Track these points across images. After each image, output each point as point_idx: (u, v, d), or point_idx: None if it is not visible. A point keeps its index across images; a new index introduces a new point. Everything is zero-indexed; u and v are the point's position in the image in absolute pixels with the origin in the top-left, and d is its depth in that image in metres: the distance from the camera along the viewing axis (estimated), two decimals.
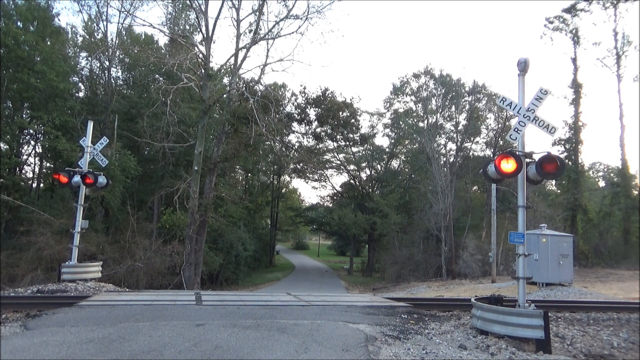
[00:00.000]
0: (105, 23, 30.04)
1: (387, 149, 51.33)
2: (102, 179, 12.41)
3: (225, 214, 30.93)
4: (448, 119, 43.07)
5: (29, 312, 7.86)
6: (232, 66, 26.52)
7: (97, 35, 30.97)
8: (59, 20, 42.66)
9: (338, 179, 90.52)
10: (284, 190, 61.64)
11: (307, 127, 40.94)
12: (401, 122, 47.60)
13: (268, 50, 25.33)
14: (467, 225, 35.71)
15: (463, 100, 42.57)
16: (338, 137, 43.25)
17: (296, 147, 41.60)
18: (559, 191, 39.08)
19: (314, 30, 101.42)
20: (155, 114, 25.27)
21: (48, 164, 31.74)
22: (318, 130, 41.10)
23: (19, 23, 27.51)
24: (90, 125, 13.29)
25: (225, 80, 33.42)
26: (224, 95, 26.78)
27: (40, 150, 30.57)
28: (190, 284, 22.21)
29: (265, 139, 26.69)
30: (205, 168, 25.33)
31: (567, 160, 33.88)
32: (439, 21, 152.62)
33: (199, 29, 27.15)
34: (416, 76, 45.08)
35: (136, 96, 30.79)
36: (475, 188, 43.51)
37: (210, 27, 24.33)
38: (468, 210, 37.81)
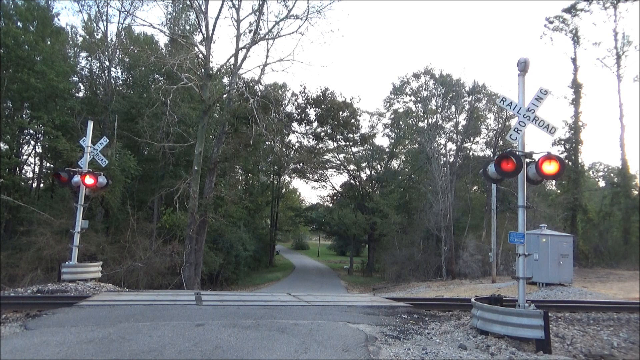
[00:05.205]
0: (105, 23, 30.05)
1: (387, 149, 51.36)
2: (102, 179, 12.41)
3: (225, 214, 30.90)
4: (448, 119, 43.10)
5: (29, 312, 7.86)
6: (232, 66, 26.50)
7: (97, 35, 30.96)
8: (59, 20, 42.91)
9: (338, 179, 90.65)
10: (284, 190, 61.62)
11: (307, 127, 40.95)
12: (401, 122, 47.62)
13: (268, 50, 25.32)
14: (467, 225, 35.71)
15: (463, 100, 42.55)
16: (338, 137, 43.23)
17: (296, 147, 41.62)
18: (559, 191, 39.06)
19: (314, 30, 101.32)
20: (155, 114, 25.26)
21: (48, 164, 31.73)
22: (318, 130, 41.08)
23: (19, 23, 27.50)
24: (90, 125, 13.29)
25: (225, 80, 33.42)
26: (224, 95, 26.76)
27: (40, 150, 30.56)
28: (190, 284, 22.20)
29: (265, 139, 26.67)
30: (205, 168, 25.31)
31: (567, 160, 33.85)
32: (439, 21, 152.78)
33: (199, 29, 27.14)
34: (416, 76, 45.10)
35: (136, 96, 30.77)
36: (475, 188, 43.50)
37: (210, 27, 24.34)
38: (468, 210, 37.81)
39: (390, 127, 50.01)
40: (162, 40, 35.38)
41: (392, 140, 50.58)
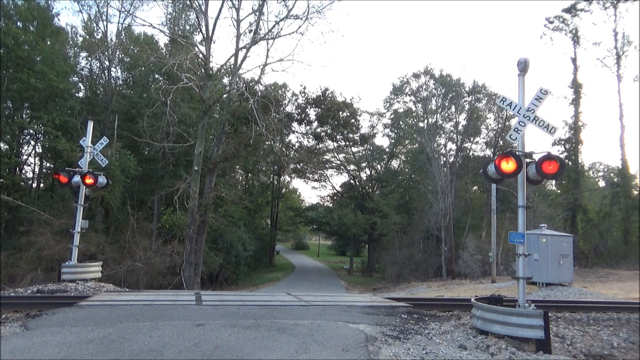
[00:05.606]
0: (105, 23, 30.05)
1: (387, 149, 51.37)
2: (102, 179, 12.41)
3: (225, 214, 30.90)
4: (448, 119, 43.12)
5: (29, 312, 7.85)
6: (232, 66, 26.50)
7: (97, 35, 30.97)
8: (59, 20, 42.87)
9: (338, 179, 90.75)
10: (284, 190, 61.64)
11: (307, 127, 40.91)
12: (401, 122, 47.63)
13: (268, 50, 25.30)
14: (467, 225, 35.71)
15: (463, 100, 42.57)
16: (338, 137, 43.20)
17: (296, 147, 41.59)
18: (559, 191, 39.07)
19: (314, 30, 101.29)
20: (155, 114, 25.26)
21: (48, 164, 31.73)
22: (318, 130, 41.06)
23: (19, 23, 27.49)
24: (90, 125, 13.29)
25: (225, 80, 33.40)
26: (224, 95, 26.76)
27: (40, 150, 30.55)
28: (190, 284, 22.20)
29: (265, 139, 26.66)
30: (205, 168, 25.31)
31: (567, 160, 33.86)
32: (439, 21, 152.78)
33: (199, 29, 27.14)
34: (416, 76, 45.10)
35: (136, 96, 30.77)
36: (475, 188, 43.52)
37: (210, 27, 24.33)
38: (468, 210, 37.82)
39: (390, 127, 50.04)
40: (162, 40, 35.42)
41: (392, 140, 50.59)
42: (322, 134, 41.44)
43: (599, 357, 6.71)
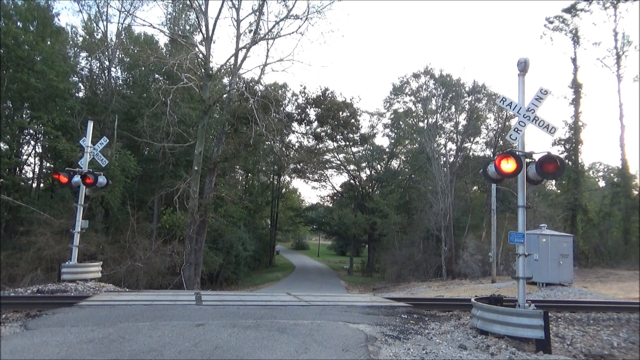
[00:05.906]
0: (105, 23, 30.06)
1: (387, 149, 51.39)
2: (102, 179, 12.41)
3: (225, 214, 30.91)
4: (448, 119, 43.13)
5: (29, 312, 7.85)
6: (232, 66, 26.51)
7: (97, 35, 30.97)
8: (59, 20, 42.85)
9: (338, 179, 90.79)
10: (284, 190, 61.66)
11: (307, 127, 40.92)
12: (401, 122, 47.65)
13: (268, 50, 25.33)
14: (467, 225, 35.72)
15: (463, 100, 42.58)
16: (338, 137, 43.21)
17: (296, 147, 41.60)
18: (559, 191, 39.08)
19: (314, 30, 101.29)
20: (155, 114, 25.26)
21: (48, 164, 31.74)
22: (318, 130, 41.08)
23: (19, 23, 27.50)
24: (90, 125, 13.29)
25: (225, 80, 33.41)
26: (224, 95, 26.77)
27: (40, 150, 30.56)
28: (190, 284, 22.20)
29: (265, 139, 26.66)
30: (205, 168, 25.32)
31: (567, 160, 33.85)
32: (439, 21, 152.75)
33: (199, 29, 27.16)
34: (416, 76, 45.11)
35: (136, 96, 30.77)
36: (475, 188, 43.52)
37: (210, 27, 24.35)
38: (468, 210, 37.82)
39: (390, 127, 50.07)
40: (162, 40, 35.44)
41: (392, 140, 50.62)
42: (322, 134, 41.45)
43: (599, 357, 6.72)
